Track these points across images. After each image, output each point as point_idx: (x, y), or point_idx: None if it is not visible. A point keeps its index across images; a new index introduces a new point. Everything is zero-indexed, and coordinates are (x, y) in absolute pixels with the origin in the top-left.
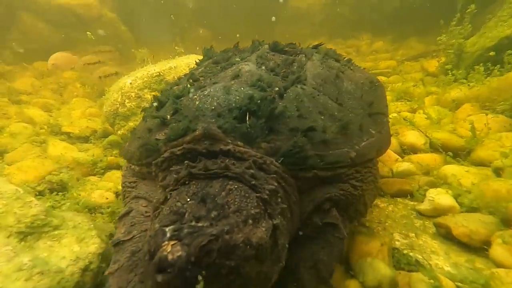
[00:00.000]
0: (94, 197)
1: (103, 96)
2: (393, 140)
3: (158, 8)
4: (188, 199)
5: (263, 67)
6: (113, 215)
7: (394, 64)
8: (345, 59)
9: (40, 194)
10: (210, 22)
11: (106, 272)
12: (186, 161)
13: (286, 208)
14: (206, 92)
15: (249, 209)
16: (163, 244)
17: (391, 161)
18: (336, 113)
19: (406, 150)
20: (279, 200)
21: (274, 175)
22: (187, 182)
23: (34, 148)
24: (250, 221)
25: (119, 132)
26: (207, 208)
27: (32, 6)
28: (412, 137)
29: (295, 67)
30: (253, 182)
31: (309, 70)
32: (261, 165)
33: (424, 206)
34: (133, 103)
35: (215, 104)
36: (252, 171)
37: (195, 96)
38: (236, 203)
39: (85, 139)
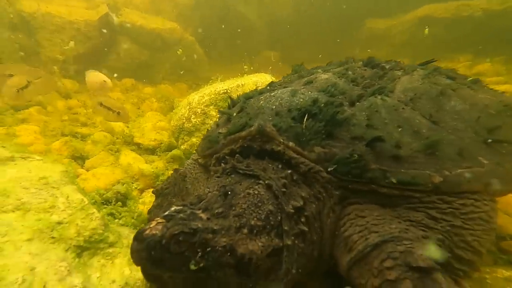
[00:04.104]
0: None
1: (173, 111)
2: None
3: (232, 31)
4: (216, 189)
5: (344, 78)
6: None
7: None
8: (470, 79)
9: (106, 202)
10: (280, 45)
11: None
12: (237, 154)
13: (307, 232)
14: (273, 94)
15: (250, 218)
16: (156, 218)
17: None
18: (424, 131)
19: None
20: (302, 220)
21: (310, 190)
22: (229, 173)
23: (109, 156)
24: (245, 231)
25: (182, 147)
26: (221, 203)
27: (129, 31)
28: None
29: (384, 80)
30: (283, 190)
31: (402, 83)
32: (305, 173)
33: None
34: (198, 119)
35: (276, 104)
36: (285, 181)
37: (262, 97)
38: (243, 207)
39: (152, 151)
